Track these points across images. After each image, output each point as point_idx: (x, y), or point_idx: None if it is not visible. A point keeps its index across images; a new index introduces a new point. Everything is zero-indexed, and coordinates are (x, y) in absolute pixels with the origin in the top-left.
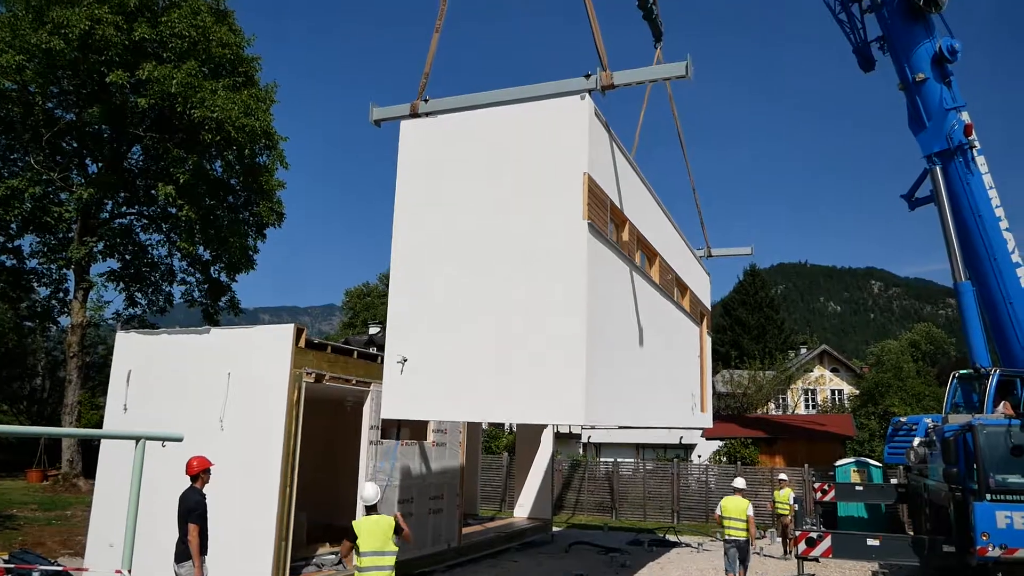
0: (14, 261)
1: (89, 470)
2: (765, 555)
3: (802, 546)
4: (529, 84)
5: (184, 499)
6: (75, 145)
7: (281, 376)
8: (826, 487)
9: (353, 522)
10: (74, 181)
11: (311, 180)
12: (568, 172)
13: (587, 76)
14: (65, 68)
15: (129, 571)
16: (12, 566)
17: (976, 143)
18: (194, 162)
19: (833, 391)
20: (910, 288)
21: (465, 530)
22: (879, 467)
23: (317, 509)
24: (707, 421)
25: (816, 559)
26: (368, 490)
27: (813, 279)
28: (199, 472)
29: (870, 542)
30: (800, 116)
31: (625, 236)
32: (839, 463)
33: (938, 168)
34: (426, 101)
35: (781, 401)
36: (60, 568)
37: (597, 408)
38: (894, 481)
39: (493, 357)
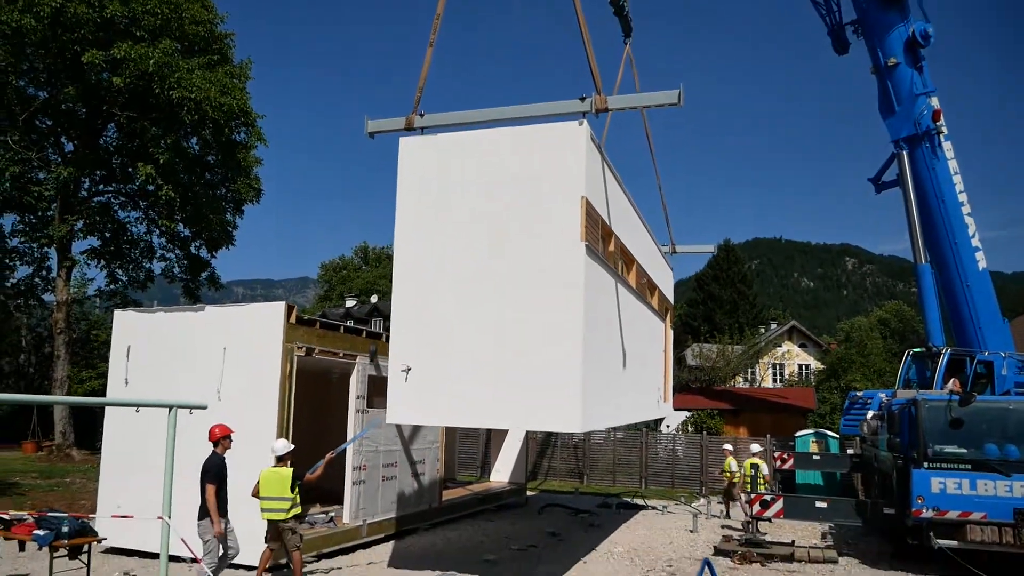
0: None
1: (81, 441)
2: (712, 516)
3: (756, 507)
4: (523, 102)
5: (205, 463)
6: (49, 123)
7: (274, 350)
8: (785, 456)
9: (262, 472)
10: (51, 160)
11: (283, 153)
12: (566, 195)
13: (582, 99)
14: (36, 46)
15: (169, 516)
16: (44, 519)
17: (944, 129)
18: (173, 142)
19: (800, 366)
20: (884, 265)
21: (445, 493)
22: (836, 438)
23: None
24: (668, 410)
25: (769, 520)
26: (277, 443)
27: (788, 255)
28: (220, 438)
29: (818, 504)
30: (776, 95)
31: (611, 247)
32: (799, 434)
33: (905, 153)
34: (422, 116)
35: (750, 375)
36: (87, 520)
37: (591, 416)
38: (850, 452)
39: (494, 367)
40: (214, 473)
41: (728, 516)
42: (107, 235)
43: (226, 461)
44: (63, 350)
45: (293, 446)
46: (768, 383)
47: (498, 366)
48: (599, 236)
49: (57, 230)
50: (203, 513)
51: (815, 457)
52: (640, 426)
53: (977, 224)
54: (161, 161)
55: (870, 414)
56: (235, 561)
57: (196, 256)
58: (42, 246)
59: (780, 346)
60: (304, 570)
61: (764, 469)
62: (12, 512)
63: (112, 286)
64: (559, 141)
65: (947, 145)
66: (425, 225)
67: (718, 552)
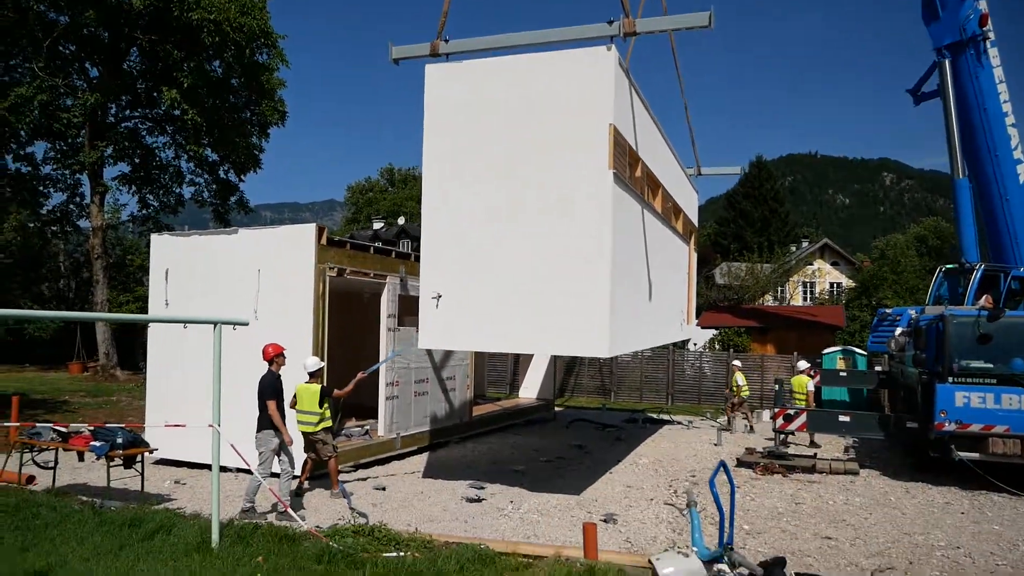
0: (29, 168)
1: (123, 361)
2: (739, 432)
3: (780, 421)
4: (550, 27)
5: (260, 381)
6: (72, 49)
7: (307, 271)
8: (811, 373)
9: (297, 386)
10: (77, 86)
11: (306, 74)
12: (594, 123)
13: (610, 23)
14: None
15: (218, 424)
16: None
17: (990, 34)
18: (196, 65)
19: (832, 284)
20: (924, 180)
21: (475, 409)
22: (864, 355)
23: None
24: (691, 332)
25: (792, 433)
26: (308, 360)
27: (823, 171)
28: (273, 356)
29: (841, 418)
30: (810, 6)
31: (638, 173)
32: (826, 351)
33: (947, 62)
34: (446, 41)
35: (780, 293)
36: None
37: (617, 341)
38: (878, 368)
39: (523, 294)
40: (272, 390)
41: (752, 431)
42: (136, 160)
43: (281, 378)
44: (101, 275)
45: (324, 363)
46: (798, 301)
47: (527, 293)
48: (626, 163)
49: (88, 156)
50: (261, 427)
51: (842, 374)
52: (668, 344)
53: (1020, 135)
54: (185, 85)
55: (898, 331)
56: (274, 470)
57: (225, 180)
58: (74, 173)
59: (811, 264)
60: (341, 478)
61: (810, 386)
62: (72, 424)
63: (144, 211)
64: (587, 67)
65: (993, 52)
66: (453, 153)
67: (740, 464)
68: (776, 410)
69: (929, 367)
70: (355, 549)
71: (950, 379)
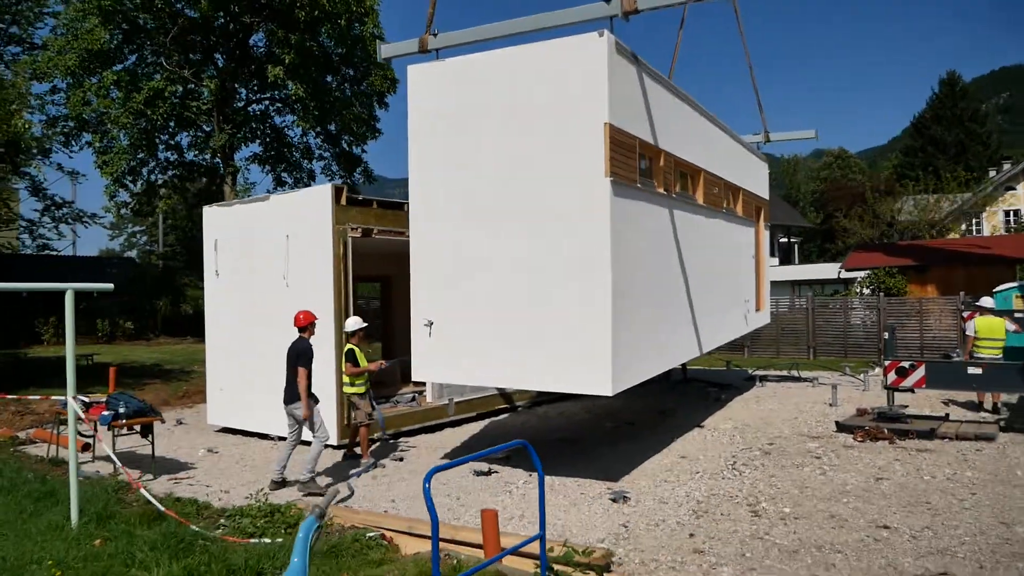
0: (176, 156)
1: None
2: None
3: (892, 376)
4: (545, 11)
5: (293, 347)
6: (202, 40)
7: (326, 233)
8: (964, 316)
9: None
10: (205, 75)
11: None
12: (588, 122)
13: (607, 1)
14: None
15: (73, 393)
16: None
17: None
18: (296, 41)
19: None
20: None
21: None
22: None
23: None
24: (764, 318)
25: (912, 390)
26: (347, 321)
27: None
28: (306, 324)
29: (971, 371)
30: None
31: (661, 163)
32: (998, 289)
33: None
34: (435, 35)
35: (974, 224)
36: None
37: (624, 375)
38: None
39: (520, 323)
40: (307, 358)
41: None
42: (268, 140)
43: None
44: None
45: (363, 323)
46: (995, 232)
47: (524, 321)
48: (636, 160)
49: (217, 140)
50: (292, 397)
51: (1018, 315)
52: (829, 291)
53: None
54: (287, 61)
55: None
56: (305, 437)
57: (348, 152)
58: (213, 156)
59: (1014, 188)
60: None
61: (1009, 326)
62: (92, 396)
63: (279, 188)
64: (577, 58)
65: None
66: (441, 161)
67: (841, 428)
68: (887, 363)
69: None
70: (230, 530)
71: None
